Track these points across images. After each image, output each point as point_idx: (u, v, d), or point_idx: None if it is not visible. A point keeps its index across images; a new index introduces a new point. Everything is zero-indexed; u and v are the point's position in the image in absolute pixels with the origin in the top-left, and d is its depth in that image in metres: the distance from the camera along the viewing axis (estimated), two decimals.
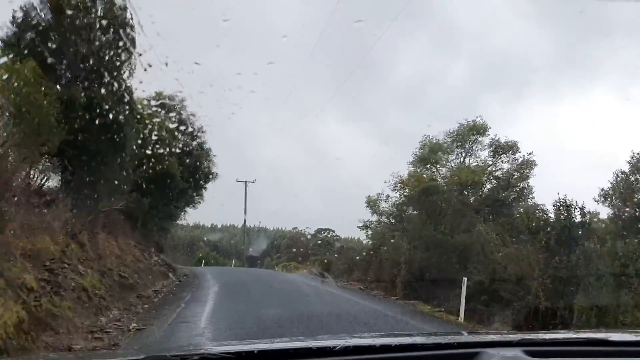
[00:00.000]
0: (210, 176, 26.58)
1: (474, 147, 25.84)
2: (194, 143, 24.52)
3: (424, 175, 25.46)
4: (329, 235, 58.49)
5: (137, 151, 16.03)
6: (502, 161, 25.26)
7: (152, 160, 17.60)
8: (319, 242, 56.13)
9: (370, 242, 27.71)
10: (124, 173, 14.72)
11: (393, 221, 27.05)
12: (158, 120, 18.87)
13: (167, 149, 18.88)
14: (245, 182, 52.58)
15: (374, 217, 28.14)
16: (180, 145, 22.42)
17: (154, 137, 17.65)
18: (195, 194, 26.44)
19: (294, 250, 51.11)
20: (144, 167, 17.60)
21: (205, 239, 68.85)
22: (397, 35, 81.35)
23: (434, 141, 26.36)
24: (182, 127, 22.18)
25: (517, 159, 24.68)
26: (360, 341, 2.08)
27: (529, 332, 3.96)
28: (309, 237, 57.77)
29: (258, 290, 17.44)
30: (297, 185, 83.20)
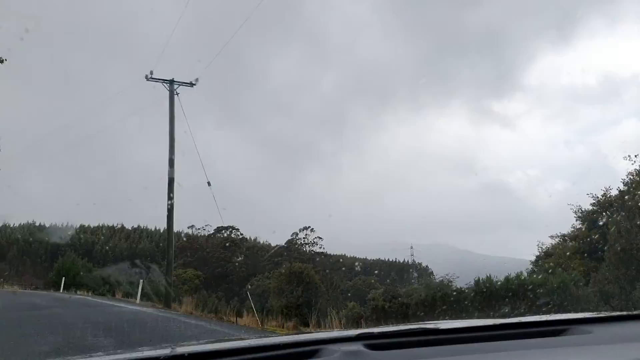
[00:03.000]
0: None
1: None
2: None
3: None
4: (232, 235, 51.21)
5: None
6: None
7: None
8: (227, 244, 50.05)
9: None
10: None
11: None
12: None
13: None
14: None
15: None
16: None
17: None
18: None
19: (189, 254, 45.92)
20: None
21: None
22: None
23: None
24: None
25: None
26: (189, 349, 1.86)
27: (367, 328, 4.09)
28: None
29: None
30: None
